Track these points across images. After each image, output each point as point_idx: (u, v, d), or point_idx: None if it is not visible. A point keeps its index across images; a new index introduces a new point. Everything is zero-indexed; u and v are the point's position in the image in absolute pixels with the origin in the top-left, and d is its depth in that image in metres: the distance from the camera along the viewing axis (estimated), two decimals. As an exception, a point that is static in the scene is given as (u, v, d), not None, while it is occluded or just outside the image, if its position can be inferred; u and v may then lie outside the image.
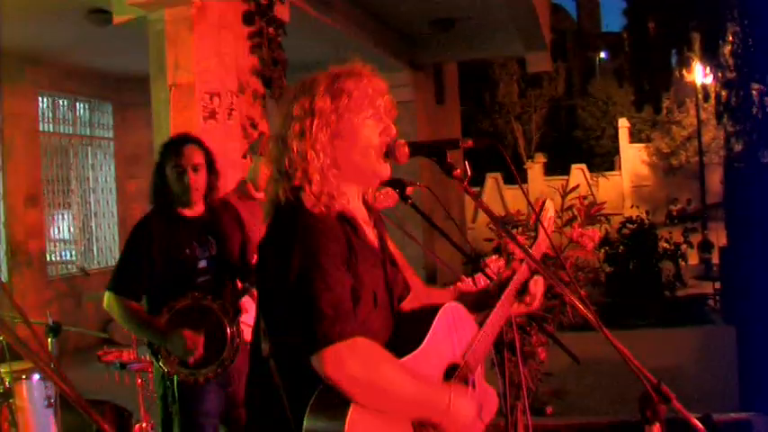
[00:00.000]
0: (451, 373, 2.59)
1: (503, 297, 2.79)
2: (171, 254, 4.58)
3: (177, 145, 4.72)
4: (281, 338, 2.44)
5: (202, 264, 4.64)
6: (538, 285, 2.86)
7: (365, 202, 2.71)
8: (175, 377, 4.49)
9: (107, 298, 4.61)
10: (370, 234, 2.65)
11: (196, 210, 4.72)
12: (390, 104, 2.66)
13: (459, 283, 3.20)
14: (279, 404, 2.42)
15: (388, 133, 2.61)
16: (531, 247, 2.93)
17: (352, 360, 2.26)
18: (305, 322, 2.29)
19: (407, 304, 2.76)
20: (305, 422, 2.30)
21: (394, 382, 2.34)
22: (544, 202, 3.01)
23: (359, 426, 2.27)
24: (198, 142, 4.75)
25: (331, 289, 2.32)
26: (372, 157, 2.57)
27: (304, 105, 2.51)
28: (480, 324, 2.73)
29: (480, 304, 2.86)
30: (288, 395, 2.41)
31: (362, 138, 2.56)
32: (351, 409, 2.26)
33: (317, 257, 2.34)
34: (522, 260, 2.88)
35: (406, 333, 2.55)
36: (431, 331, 2.51)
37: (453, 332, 2.62)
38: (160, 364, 4.52)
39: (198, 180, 4.63)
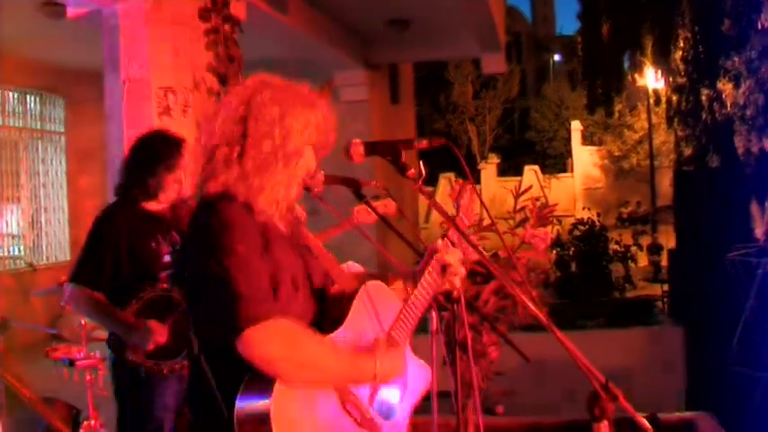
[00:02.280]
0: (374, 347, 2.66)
1: (426, 272, 2.86)
2: (137, 247, 4.54)
3: (179, 145, 4.68)
4: (207, 332, 2.52)
5: (166, 258, 4.62)
6: (452, 255, 2.90)
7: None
8: (141, 368, 4.48)
9: (71, 290, 4.54)
10: (282, 226, 2.72)
11: (160, 204, 4.70)
12: (330, 141, 2.74)
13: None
14: (213, 399, 2.47)
15: (321, 149, 2.73)
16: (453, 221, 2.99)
17: (274, 339, 2.33)
18: (225, 308, 2.35)
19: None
20: (235, 406, 2.36)
21: (317, 356, 2.42)
22: (464, 185, 3.06)
23: (284, 400, 2.33)
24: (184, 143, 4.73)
25: (247, 273, 2.39)
26: (298, 181, 2.68)
27: (275, 113, 2.60)
28: (405, 300, 2.81)
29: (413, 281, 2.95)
30: (219, 387, 2.47)
31: (300, 165, 2.67)
32: (275, 385, 2.32)
33: (232, 245, 2.42)
34: (443, 236, 2.94)
35: (328, 315, 2.62)
36: (351, 310, 2.60)
37: (375, 310, 2.70)
38: (126, 354, 4.49)
39: (185, 183, 4.61)
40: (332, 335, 2.52)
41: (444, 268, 2.89)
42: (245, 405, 2.35)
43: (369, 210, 3.99)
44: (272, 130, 2.58)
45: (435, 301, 2.95)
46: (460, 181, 2.99)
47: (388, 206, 4.38)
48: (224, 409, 2.41)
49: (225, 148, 2.61)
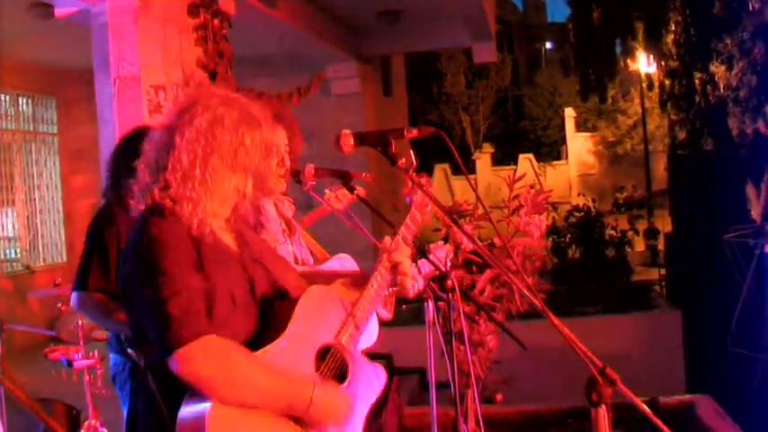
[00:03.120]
0: (325, 354, 2.61)
1: (375, 272, 2.81)
2: None
3: None
4: (145, 347, 2.50)
5: None
6: (398, 255, 2.85)
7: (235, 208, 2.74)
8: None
9: (79, 298, 4.46)
10: (226, 237, 2.66)
11: None
12: (267, 149, 2.69)
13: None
14: (160, 414, 2.47)
15: (264, 171, 2.69)
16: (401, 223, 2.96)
17: (203, 359, 2.31)
18: (157, 328, 2.35)
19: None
20: (176, 423, 2.35)
21: (248, 376, 2.38)
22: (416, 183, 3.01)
23: (219, 421, 2.31)
24: None
25: (177, 292, 2.36)
26: (237, 197, 2.66)
27: (203, 124, 2.56)
28: (353, 304, 2.74)
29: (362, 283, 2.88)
30: (164, 401, 2.46)
31: (232, 179, 2.61)
32: (210, 408, 2.30)
33: (162, 263, 2.39)
34: (393, 234, 2.90)
35: (271, 324, 2.56)
36: (293, 317, 2.53)
37: (321, 314, 2.64)
38: (138, 355, 4.44)
39: None
40: (271, 345, 2.47)
41: (394, 267, 2.84)
42: (184, 423, 2.34)
43: (337, 197, 3.99)
44: (197, 142, 2.55)
45: (431, 291, 2.93)
46: (414, 178, 2.92)
47: (345, 195, 4.34)
48: (167, 420, 2.42)
49: (153, 160, 2.61)
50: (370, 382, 2.77)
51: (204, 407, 2.30)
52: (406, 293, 2.88)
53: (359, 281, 2.87)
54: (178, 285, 2.37)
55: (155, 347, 2.37)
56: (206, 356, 2.32)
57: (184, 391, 2.35)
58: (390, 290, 2.89)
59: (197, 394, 2.33)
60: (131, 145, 4.59)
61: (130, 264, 2.50)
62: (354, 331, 2.71)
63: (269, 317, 2.59)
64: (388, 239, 2.88)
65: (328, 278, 2.93)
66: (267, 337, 2.49)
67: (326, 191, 4.46)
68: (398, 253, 2.85)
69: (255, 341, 2.48)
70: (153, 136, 2.67)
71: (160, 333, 2.33)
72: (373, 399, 2.78)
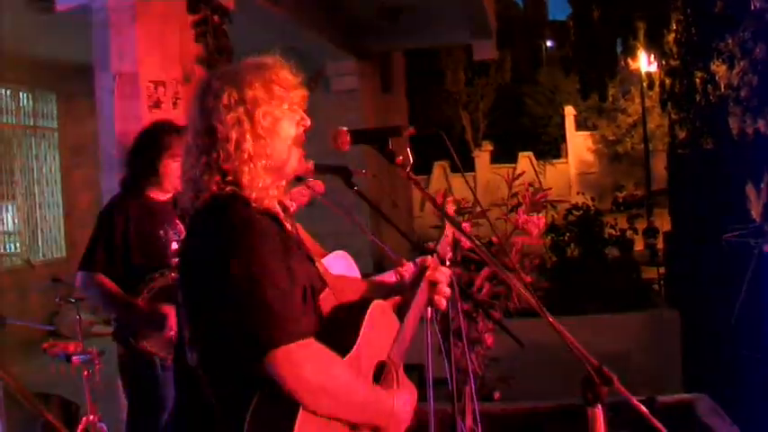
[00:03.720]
0: (380, 371, 2.55)
1: (418, 291, 2.77)
2: (145, 235, 4.61)
3: (180, 132, 4.73)
4: (218, 345, 2.29)
5: (174, 246, 4.66)
6: (440, 275, 2.84)
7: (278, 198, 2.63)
8: (156, 359, 4.50)
9: (83, 277, 4.58)
10: (291, 229, 2.60)
11: (166, 193, 4.73)
12: (302, 97, 2.59)
13: (400, 268, 3.20)
14: (209, 416, 2.30)
15: (303, 124, 2.57)
16: (438, 241, 2.95)
17: (307, 362, 2.17)
18: (253, 324, 2.16)
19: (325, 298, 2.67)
20: (248, 427, 2.17)
21: (346, 386, 2.28)
22: (445, 194, 3.04)
23: (307, 429, 2.19)
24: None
25: (278, 287, 2.21)
26: (292, 149, 2.54)
27: (232, 95, 2.45)
28: (401, 320, 2.70)
29: (393, 294, 2.87)
30: (222, 404, 2.28)
31: (284, 129, 2.51)
32: (300, 415, 2.17)
33: (260, 255, 2.24)
34: (432, 251, 2.89)
35: (337, 332, 2.44)
36: (362, 331, 2.45)
37: (380, 330, 2.59)
38: (143, 344, 4.50)
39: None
40: (347, 357, 2.35)
41: (433, 285, 2.82)
42: (260, 429, 2.18)
43: (302, 191, 4.00)
44: (236, 113, 2.44)
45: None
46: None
47: (316, 186, 4.38)
48: (221, 423, 2.26)
49: (197, 149, 2.48)
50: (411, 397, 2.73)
51: (293, 413, 2.17)
52: (443, 300, 2.86)
53: (387, 291, 2.88)
54: (278, 278, 2.23)
55: (244, 344, 2.18)
56: (309, 360, 2.18)
57: (245, 394, 2.20)
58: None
59: (278, 398, 2.17)
60: (153, 139, 4.70)
61: (215, 253, 2.27)
62: (401, 348, 2.67)
63: (330, 321, 2.51)
64: (429, 258, 2.87)
65: (351, 284, 2.91)
66: (332, 344, 2.33)
67: (292, 188, 4.50)
68: (440, 273, 2.84)
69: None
70: (189, 126, 2.53)
71: (258, 330, 2.16)
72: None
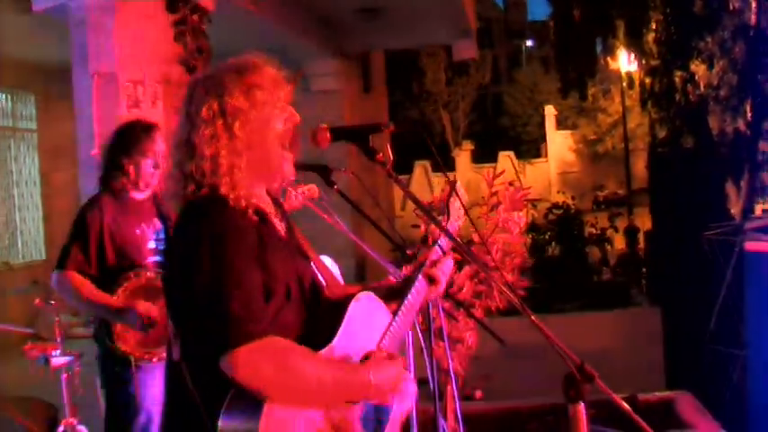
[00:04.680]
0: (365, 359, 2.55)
1: (415, 283, 2.77)
2: (121, 234, 4.59)
3: (151, 130, 4.72)
4: (192, 341, 2.36)
5: (151, 245, 4.66)
6: (443, 266, 2.86)
7: (271, 195, 2.66)
8: (131, 359, 4.47)
9: (57, 276, 4.56)
10: (279, 226, 2.60)
11: (144, 192, 4.72)
12: (289, 93, 2.58)
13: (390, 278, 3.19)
14: (194, 409, 2.33)
15: (291, 120, 2.57)
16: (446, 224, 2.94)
17: (265, 361, 2.21)
18: (214, 323, 2.22)
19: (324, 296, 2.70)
20: (219, 424, 2.22)
21: (310, 376, 2.29)
22: (455, 183, 3.02)
23: (273, 423, 2.22)
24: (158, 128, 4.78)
25: (241, 287, 2.25)
26: (279, 149, 2.54)
27: (212, 106, 2.45)
28: (394, 313, 2.70)
29: (394, 294, 2.83)
30: (201, 398, 2.32)
31: (271, 131, 2.51)
32: (264, 407, 2.20)
33: (226, 254, 2.28)
34: (433, 243, 2.89)
35: (320, 325, 2.47)
36: (344, 322, 2.46)
37: (367, 322, 2.59)
38: (116, 343, 4.48)
39: (161, 167, 4.66)
40: (324, 350, 2.38)
41: (431, 280, 2.83)
42: (230, 424, 2.22)
43: (293, 195, 3.99)
44: (241, 119, 2.44)
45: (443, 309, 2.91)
46: (447, 181, 2.93)
47: (310, 190, 4.40)
48: (203, 416, 2.29)
49: (178, 149, 2.51)
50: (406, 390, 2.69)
51: (257, 409, 2.20)
52: (442, 291, 2.88)
53: (383, 291, 2.84)
54: (242, 278, 2.26)
55: (208, 343, 2.23)
56: (267, 358, 2.21)
57: (223, 386, 2.23)
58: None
59: (246, 396, 2.21)
60: (123, 138, 4.69)
61: (188, 253, 2.32)
62: (394, 340, 2.66)
63: (316, 316, 2.52)
64: (433, 251, 2.88)
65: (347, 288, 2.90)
66: (315, 337, 2.40)
67: (288, 190, 4.49)
68: (439, 270, 2.85)
69: (303, 341, 2.37)
70: (190, 136, 2.48)
71: (219, 330, 2.20)
72: (404, 409, 2.71)
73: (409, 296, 2.74)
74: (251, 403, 2.21)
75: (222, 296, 2.22)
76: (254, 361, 2.19)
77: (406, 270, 3.08)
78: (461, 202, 3.04)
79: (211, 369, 2.23)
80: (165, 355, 4.50)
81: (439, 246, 2.90)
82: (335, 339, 2.42)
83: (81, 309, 4.87)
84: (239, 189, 2.41)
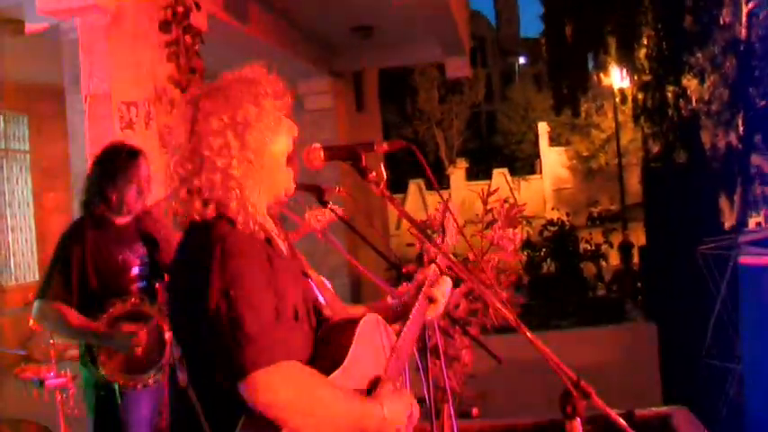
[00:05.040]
0: (375, 386, 2.51)
1: (417, 304, 2.77)
2: (104, 261, 4.53)
3: (136, 156, 4.68)
4: (202, 366, 2.30)
5: (135, 271, 4.61)
6: (442, 286, 2.86)
7: (271, 214, 2.60)
8: (116, 384, 4.43)
9: (39, 306, 4.52)
10: (282, 246, 2.55)
11: (126, 217, 4.67)
12: (290, 105, 2.57)
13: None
14: None
15: (291, 133, 2.54)
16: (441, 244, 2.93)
17: (283, 385, 2.16)
18: (230, 348, 2.15)
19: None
20: None
21: (327, 403, 2.25)
22: (448, 201, 3.03)
23: None
24: (144, 156, 4.73)
25: (257, 311, 2.19)
26: (284, 168, 2.51)
27: (222, 117, 2.38)
28: (398, 334, 2.69)
29: (394, 314, 2.84)
30: (212, 425, 2.28)
31: (278, 143, 2.48)
32: None
33: (241, 278, 2.22)
34: (431, 262, 2.89)
35: (328, 348, 2.43)
36: (353, 346, 2.43)
37: (372, 345, 2.57)
38: (100, 370, 4.43)
39: (145, 192, 4.62)
40: (334, 375, 2.33)
41: (430, 300, 2.82)
42: None
43: (317, 217, 3.98)
44: (221, 129, 2.37)
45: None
46: (442, 202, 2.94)
47: (324, 215, 4.39)
48: None
49: (182, 168, 2.41)
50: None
51: None
52: (441, 310, 2.89)
53: (383, 312, 2.82)
54: (257, 302, 2.21)
55: (222, 369, 2.18)
56: (286, 383, 2.16)
57: (233, 412, 2.19)
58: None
59: (259, 422, 2.16)
60: (108, 165, 4.66)
61: (199, 276, 2.24)
62: (398, 362, 2.65)
63: (322, 338, 2.47)
64: (430, 270, 2.87)
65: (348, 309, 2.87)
66: (322, 360, 2.36)
67: (307, 211, 4.48)
68: (438, 290, 2.85)
69: (311, 363, 2.33)
70: (173, 149, 2.45)
71: (234, 354, 2.14)
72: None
73: (411, 317, 2.73)
74: (265, 429, 2.17)
75: (239, 320, 2.16)
76: (275, 385, 2.15)
77: (404, 288, 3.08)
78: (455, 221, 3.04)
79: (223, 395, 2.20)
80: (150, 381, 4.50)
81: (436, 265, 2.90)
82: (345, 362, 2.38)
83: (65, 336, 4.83)
84: (248, 205, 2.36)
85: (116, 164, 4.63)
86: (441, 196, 3.00)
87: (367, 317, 2.56)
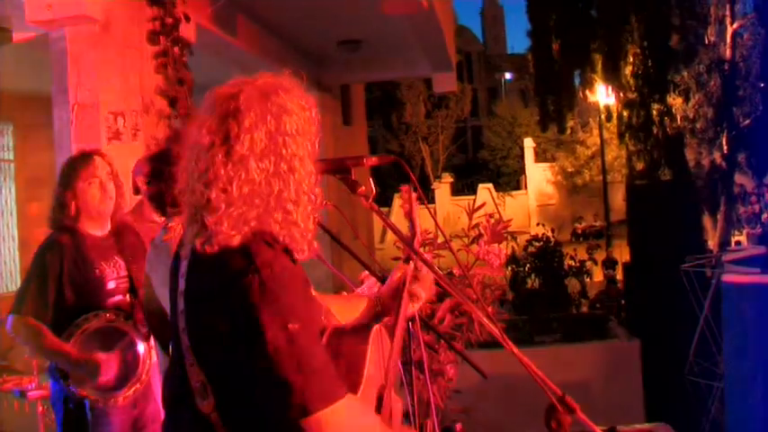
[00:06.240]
0: (380, 402, 2.51)
1: (401, 307, 2.75)
2: (80, 275, 4.47)
3: (88, 157, 4.65)
4: (240, 399, 2.15)
5: (111, 285, 4.56)
6: (418, 289, 2.85)
7: None
8: (86, 402, 4.38)
9: (13, 321, 4.44)
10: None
11: (102, 229, 4.64)
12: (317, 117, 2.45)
13: (362, 276, 3.18)
14: None
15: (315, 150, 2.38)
16: (412, 240, 2.92)
17: (348, 421, 2.09)
18: (294, 385, 2.02)
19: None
20: None
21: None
22: (411, 191, 3.00)
23: None
24: (101, 156, 4.70)
25: (316, 344, 2.11)
26: (315, 181, 2.34)
27: (261, 127, 2.20)
28: (391, 333, 2.69)
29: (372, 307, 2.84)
30: None
31: (307, 161, 2.32)
32: None
33: (296, 309, 2.08)
34: (407, 259, 2.87)
35: (343, 363, 2.36)
36: (366, 363, 2.41)
37: (378, 355, 2.57)
38: (70, 387, 4.38)
39: (110, 191, 4.58)
40: (359, 394, 2.30)
41: (411, 296, 2.82)
42: None
43: None
44: (275, 146, 2.20)
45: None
46: (405, 187, 2.92)
47: None
48: None
49: (203, 185, 2.18)
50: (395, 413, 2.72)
51: None
52: (422, 303, 2.89)
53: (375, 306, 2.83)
54: (313, 332, 2.10)
55: (277, 404, 2.05)
56: (350, 419, 2.10)
57: None
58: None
59: None
60: (62, 174, 4.61)
61: (237, 307, 2.07)
62: (394, 361, 2.65)
63: (335, 354, 2.32)
64: (410, 267, 2.83)
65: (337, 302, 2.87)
66: (345, 377, 2.25)
67: None
68: (420, 287, 2.84)
69: None
70: (188, 158, 2.24)
71: (298, 391, 2.01)
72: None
73: (398, 323, 2.71)
74: None
75: (303, 355, 2.04)
76: (342, 421, 2.07)
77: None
78: (416, 208, 3.01)
79: (259, 425, 2.14)
80: (120, 399, 4.45)
81: (414, 263, 2.89)
82: (363, 381, 2.36)
83: (36, 355, 4.78)
84: (291, 226, 2.21)
85: (69, 169, 4.60)
86: (428, 209, 3.00)
87: (375, 329, 2.56)
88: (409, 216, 2.98)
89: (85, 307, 4.45)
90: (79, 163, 4.61)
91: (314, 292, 2.53)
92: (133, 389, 4.45)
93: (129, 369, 4.45)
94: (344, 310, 2.77)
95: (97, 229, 4.63)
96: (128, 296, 4.60)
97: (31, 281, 4.50)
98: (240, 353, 2.08)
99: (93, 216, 4.59)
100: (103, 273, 4.55)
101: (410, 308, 2.85)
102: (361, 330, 2.52)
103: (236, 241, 2.12)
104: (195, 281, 2.23)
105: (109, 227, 4.68)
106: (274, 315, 2.04)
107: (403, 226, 2.80)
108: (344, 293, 3.22)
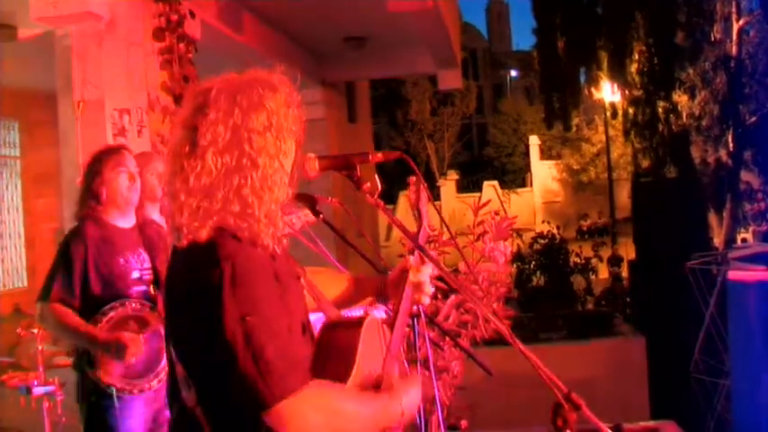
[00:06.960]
0: (378, 383, 2.51)
1: (404, 297, 2.76)
2: (105, 264, 4.52)
3: (116, 149, 4.77)
4: (215, 390, 2.17)
5: (135, 275, 4.59)
6: (422, 276, 2.82)
7: None
8: (112, 389, 4.40)
9: (40, 308, 4.50)
10: (281, 253, 2.34)
11: (128, 221, 4.69)
12: (301, 115, 2.48)
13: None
14: None
15: (300, 144, 2.43)
16: (419, 231, 2.92)
17: (312, 411, 2.09)
18: (252, 378, 2.05)
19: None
20: None
21: (355, 416, 2.23)
22: (419, 181, 3.00)
23: None
24: (129, 150, 4.79)
25: (276, 337, 2.09)
26: (292, 173, 2.37)
27: (260, 118, 2.26)
28: (391, 325, 2.69)
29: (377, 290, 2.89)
30: None
31: (290, 151, 2.36)
32: None
33: (256, 302, 2.10)
34: (411, 253, 2.87)
35: (335, 352, 2.39)
36: (359, 352, 2.40)
37: (373, 343, 2.57)
38: (98, 373, 4.41)
39: (137, 183, 4.63)
40: (348, 381, 2.31)
41: (416, 286, 2.80)
42: None
43: (294, 219, 3.97)
44: (238, 140, 2.21)
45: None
46: (412, 178, 2.92)
47: (306, 215, 4.37)
48: None
49: (180, 177, 2.22)
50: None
51: None
52: (424, 297, 2.87)
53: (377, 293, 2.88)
54: (275, 325, 2.10)
55: (240, 397, 2.08)
56: (313, 407, 2.10)
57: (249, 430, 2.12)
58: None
59: None
60: (92, 163, 4.68)
61: (202, 297, 2.11)
62: (395, 350, 2.66)
63: (328, 342, 2.41)
64: (411, 259, 2.83)
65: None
66: (331, 366, 2.31)
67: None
68: (421, 273, 2.82)
69: (324, 368, 2.29)
70: (170, 148, 2.30)
71: (256, 384, 2.04)
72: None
73: (402, 309, 2.73)
74: None
75: (259, 349, 2.06)
76: (303, 413, 2.08)
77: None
78: (430, 200, 3.02)
79: (238, 417, 2.14)
80: (146, 386, 4.49)
81: (418, 254, 2.89)
82: (354, 369, 2.36)
83: (65, 340, 4.81)
84: (257, 216, 2.20)
85: (99, 158, 4.66)
86: (434, 206, 3.00)
87: (369, 320, 2.55)
88: (416, 207, 2.98)
89: (111, 296, 4.49)
90: (107, 154, 4.69)
91: (303, 283, 2.60)
92: (157, 379, 4.48)
93: (154, 358, 4.48)
94: (346, 292, 2.92)
95: (123, 221, 4.68)
96: (152, 288, 4.63)
97: (56, 269, 4.54)
98: (207, 347, 2.11)
99: (120, 205, 4.63)
100: (128, 262, 4.59)
101: (417, 298, 2.85)
102: (355, 323, 2.51)
103: (203, 235, 2.16)
104: (170, 276, 2.29)
105: (134, 220, 4.72)
106: (233, 308, 2.07)
107: (408, 223, 2.79)
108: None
